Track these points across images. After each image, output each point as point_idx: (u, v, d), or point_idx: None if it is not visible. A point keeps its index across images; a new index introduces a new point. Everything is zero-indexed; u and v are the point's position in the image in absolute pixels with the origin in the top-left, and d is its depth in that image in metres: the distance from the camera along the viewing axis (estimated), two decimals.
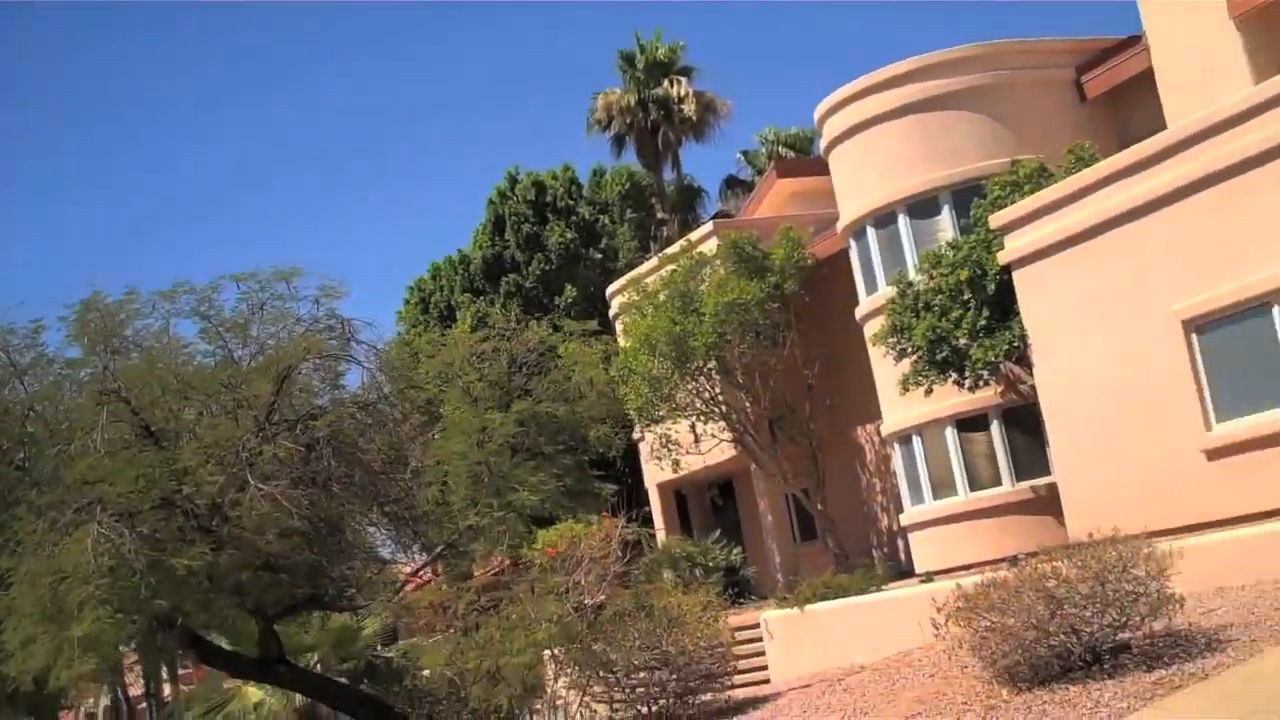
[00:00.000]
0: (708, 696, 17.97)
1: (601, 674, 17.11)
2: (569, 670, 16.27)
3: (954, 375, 21.51)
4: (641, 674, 17.57)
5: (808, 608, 20.94)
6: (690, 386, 27.86)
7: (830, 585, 21.60)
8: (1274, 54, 20.10)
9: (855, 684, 16.44)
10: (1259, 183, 16.69)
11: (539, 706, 15.57)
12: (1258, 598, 13.57)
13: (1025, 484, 23.05)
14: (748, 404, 28.17)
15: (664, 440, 28.26)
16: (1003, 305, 20.52)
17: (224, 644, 20.10)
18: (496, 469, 17.32)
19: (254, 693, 23.97)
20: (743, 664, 20.55)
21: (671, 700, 17.68)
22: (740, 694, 18.92)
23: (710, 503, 34.89)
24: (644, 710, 17.79)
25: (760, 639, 21.56)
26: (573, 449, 19.06)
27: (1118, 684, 12.21)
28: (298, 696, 22.39)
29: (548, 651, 16.66)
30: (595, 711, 17.68)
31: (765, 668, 21.19)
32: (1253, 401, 17.14)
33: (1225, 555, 15.03)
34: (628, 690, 17.74)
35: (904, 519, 25.28)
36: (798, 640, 20.98)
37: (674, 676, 17.54)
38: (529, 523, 18.37)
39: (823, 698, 16.38)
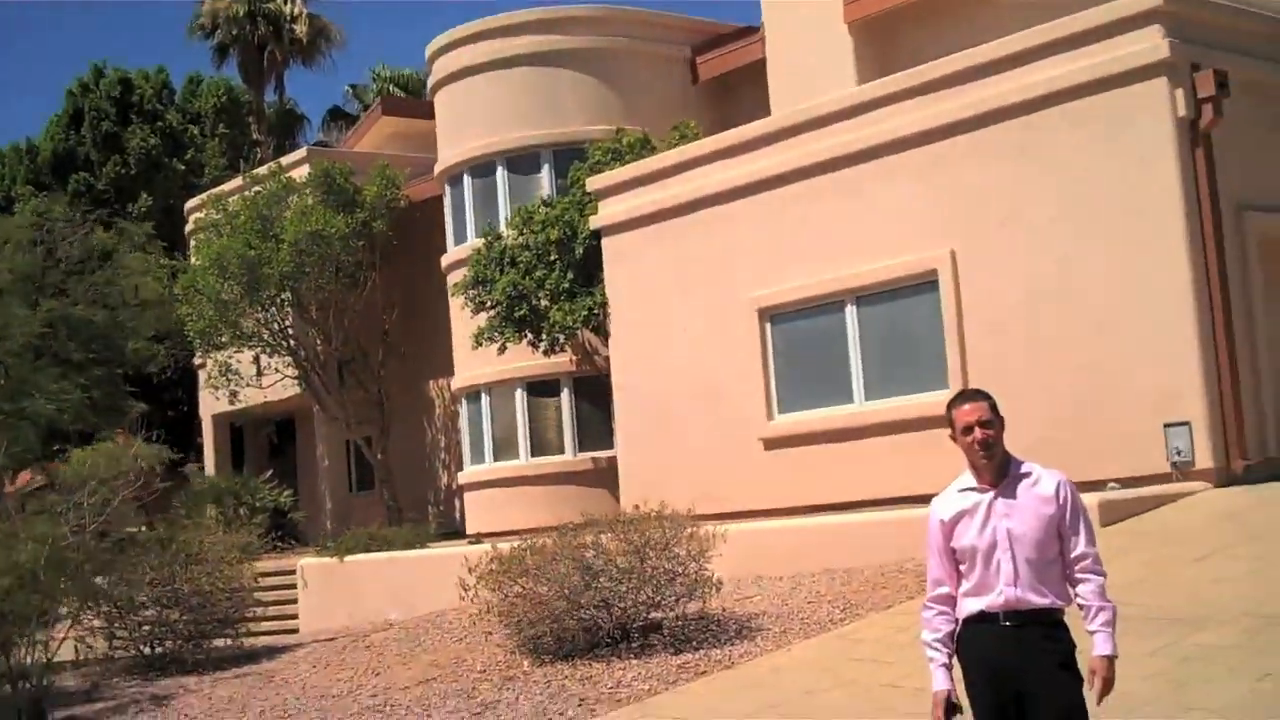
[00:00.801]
0: (221, 642, 16.69)
1: (101, 608, 15.59)
2: (63, 601, 14.65)
3: (530, 336, 21.02)
4: (149, 612, 16.13)
5: (347, 559, 19.93)
6: (260, 316, 26.32)
7: (375, 537, 20.68)
8: (879, 60, 20.43)
9: (379, 641, 15.57)
10: (847, 181, 16.77)
11: (24, 636, 13.89)
12: (793, 589, 13.49)
13: (587, 455, 22.74)
14: (318, 341, 26.92)
15: (224, 369, 26.65)
16: (588, 271, 20.10)
17: None
18: (15, 372, 15.42)
19: None
20: (274, 611, 19.40)
21: (180, 643, 16.33)
22: (261, 642, 17.73)
23: (268, 440, 33.35)
24: (147, 651, 16.35)
25: (295, 586, 20.43)
26: (108, 361, 17.23)
27: (643, 664, 11.80)
28: None
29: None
30: (91, 647, 16.10)
31: (296, 616, 20.09)
32: (814, 397, 17.27)
33: (767, 544, 14.97)
34: (132, 628, 16.27)
35: (462, 477, 24.62)
36: (333, 591, 19.95)
37: (185, 617, 16.19)
38: (47, 434, 16.51)
39: (342, 653, 15.43)
